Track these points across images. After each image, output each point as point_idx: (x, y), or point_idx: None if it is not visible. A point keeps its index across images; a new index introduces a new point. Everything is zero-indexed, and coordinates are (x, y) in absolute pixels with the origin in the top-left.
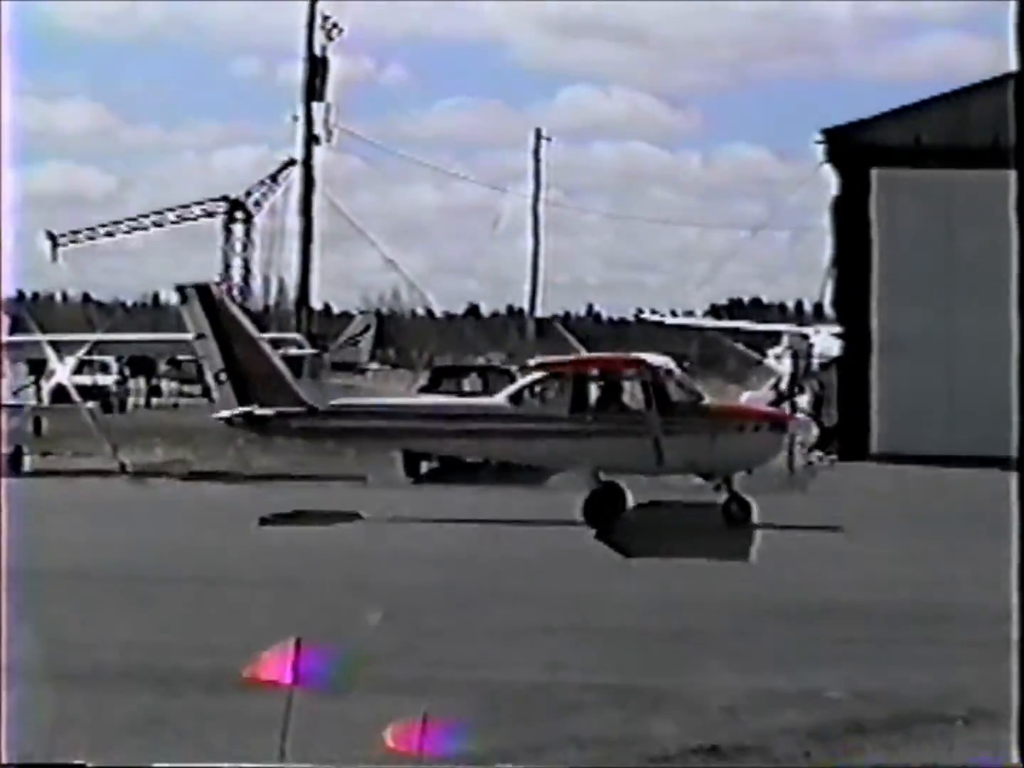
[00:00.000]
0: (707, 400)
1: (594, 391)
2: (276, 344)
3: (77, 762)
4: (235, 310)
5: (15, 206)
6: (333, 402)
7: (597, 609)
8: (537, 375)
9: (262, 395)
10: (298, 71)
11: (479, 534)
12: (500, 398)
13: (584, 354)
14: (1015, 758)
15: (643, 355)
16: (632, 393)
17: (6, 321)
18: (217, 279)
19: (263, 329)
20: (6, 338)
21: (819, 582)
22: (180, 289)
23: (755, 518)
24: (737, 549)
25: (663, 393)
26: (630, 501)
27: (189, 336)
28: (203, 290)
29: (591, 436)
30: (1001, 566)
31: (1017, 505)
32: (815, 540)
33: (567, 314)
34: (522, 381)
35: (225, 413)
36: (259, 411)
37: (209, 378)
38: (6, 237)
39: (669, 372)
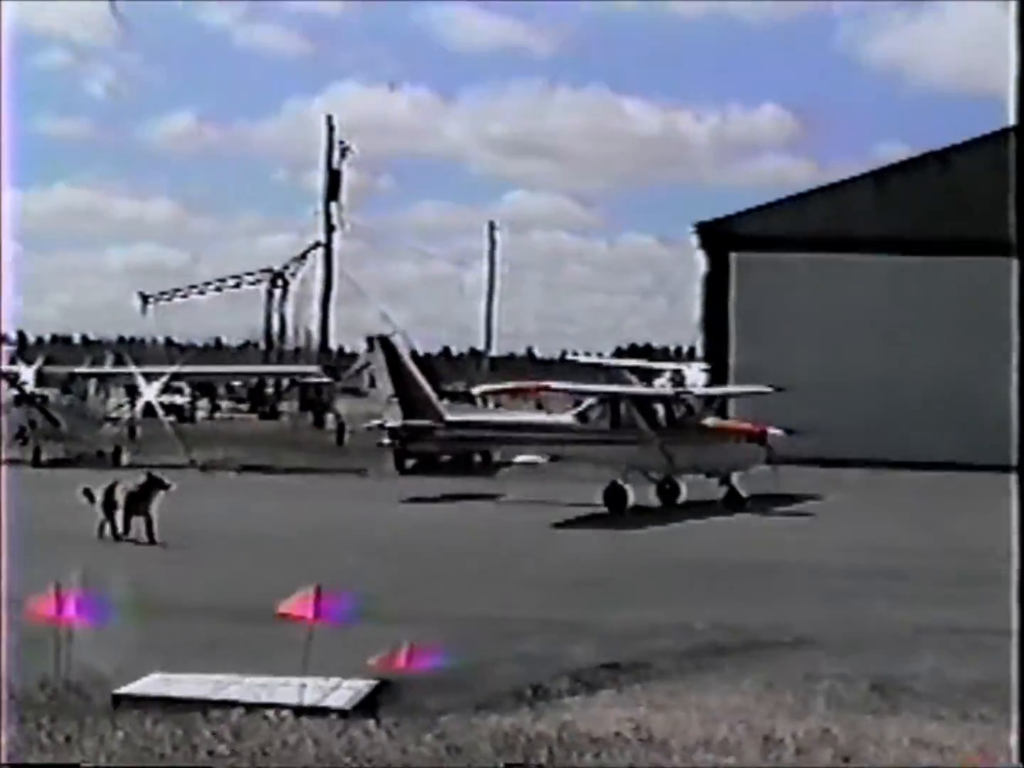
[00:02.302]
0: (706, 420)
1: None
2: (303, 375)
3: (76, 762)
4: (405, 355)
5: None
6: (452, 418)
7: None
8: (589, 401)
9: (419, 413)
10: (319, 179)
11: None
12: (568, 416)
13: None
14: (1015, 758)
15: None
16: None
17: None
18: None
19: (294, 363)
20: (111, 369)
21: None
22: (369, 340)
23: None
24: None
25: (671, 415)
26: (683, 494)
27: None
28: (383, 340)
29: (623, 444)
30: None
31: (1017, 510)
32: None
33: (511, 354)
34: (583, 405)
35: (390, 423)
36: (413, 423)
37: (383, 400)
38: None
39: (677, 398)
